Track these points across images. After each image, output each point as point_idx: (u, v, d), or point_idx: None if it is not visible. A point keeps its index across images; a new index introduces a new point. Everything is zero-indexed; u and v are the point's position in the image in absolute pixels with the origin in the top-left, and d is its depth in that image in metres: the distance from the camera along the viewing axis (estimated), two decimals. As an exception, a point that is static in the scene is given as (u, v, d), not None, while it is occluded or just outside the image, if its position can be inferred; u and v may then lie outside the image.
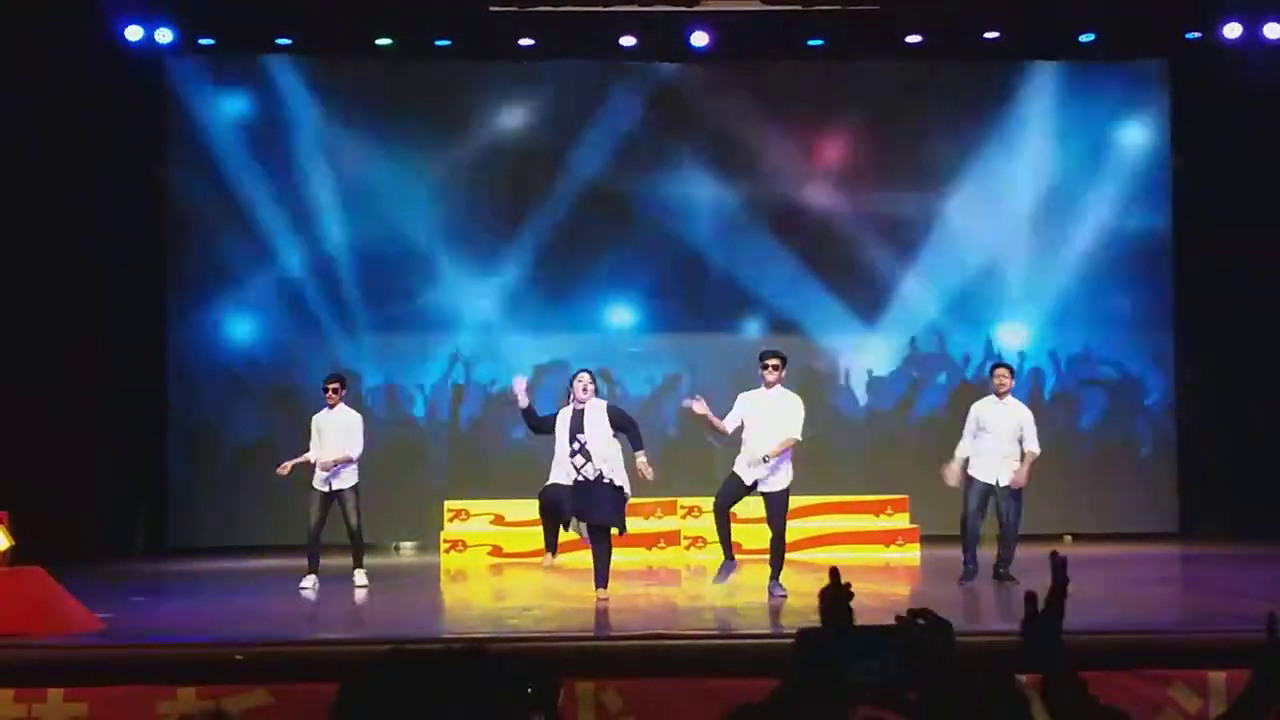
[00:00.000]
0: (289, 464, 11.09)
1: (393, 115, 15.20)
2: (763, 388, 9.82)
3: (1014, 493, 10.55)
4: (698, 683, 6.71)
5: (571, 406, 9.49)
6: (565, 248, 15.30)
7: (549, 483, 9.48)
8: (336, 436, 11.02)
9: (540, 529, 9.84)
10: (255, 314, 15.29)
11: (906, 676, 2.00)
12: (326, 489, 10.99)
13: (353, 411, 11.32)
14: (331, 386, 11.19)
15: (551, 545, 9.64)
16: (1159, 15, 14.46)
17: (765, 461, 9.59)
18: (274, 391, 15.02)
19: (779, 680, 2.11)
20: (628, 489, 9.47)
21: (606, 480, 9.32)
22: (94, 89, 13.86)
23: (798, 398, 9.87)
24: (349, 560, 11.28)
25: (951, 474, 10.72)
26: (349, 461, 11.04)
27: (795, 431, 9.70)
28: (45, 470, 12.43)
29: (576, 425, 9.41)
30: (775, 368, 9.78)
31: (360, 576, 11.10)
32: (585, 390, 9.44)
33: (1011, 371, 11.06)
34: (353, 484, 11.08)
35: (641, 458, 9.40)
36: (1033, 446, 10.58)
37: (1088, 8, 14.37)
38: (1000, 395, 10.74)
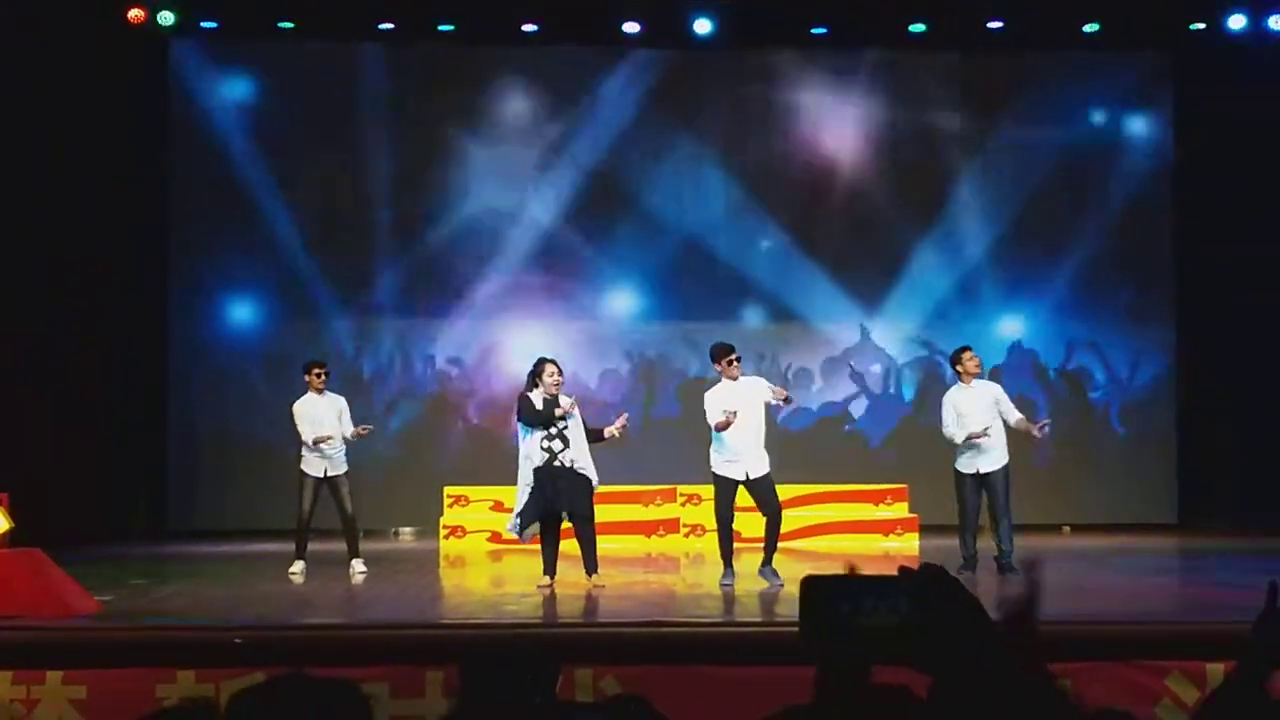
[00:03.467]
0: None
1: (394, 100, 15.20)
2: (725, 381, 9.96)
3: (1001, 476, 10.55)
4: (696, 670, 6.72)
5: (542, 394, 9.74)
6: (565, 235, 15.30)
7: (528, 482, 9.66)
8: (331, 419, 10.91)
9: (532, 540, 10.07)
10: (255, 299, 15.28)
11: (918, 621, 1.94)
12: (323, 474, 10.90)
13: (337, 395, 11.27)
14: (323, 371, 11.08)
15: (551, 568, 9.74)
16: (1163, 6, 14.44)
17: (787, 403, 10.12)
18: (274, 376, 15.00)
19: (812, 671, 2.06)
20: (596, 480, 9.85)
21: (582, 473, 9.69)
22: (95, 72, 13.82)
23: (753, 375, 10.42)
24: (345, 546, 11.11)
25: (962, 434, 10.59)
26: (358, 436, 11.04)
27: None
28: (45, 452, 12.43)
29: (552, 413, 9.71)
30: (740, 360, 10.07)
31: (358, 565, 10.94)
32: (559, 384, 9.77)
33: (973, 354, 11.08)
34: (347, 469, 11.05)
35: (618, 423, 9.92)
36: (1013, 417, 10.58)
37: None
38: (970, 380, 10.74)
